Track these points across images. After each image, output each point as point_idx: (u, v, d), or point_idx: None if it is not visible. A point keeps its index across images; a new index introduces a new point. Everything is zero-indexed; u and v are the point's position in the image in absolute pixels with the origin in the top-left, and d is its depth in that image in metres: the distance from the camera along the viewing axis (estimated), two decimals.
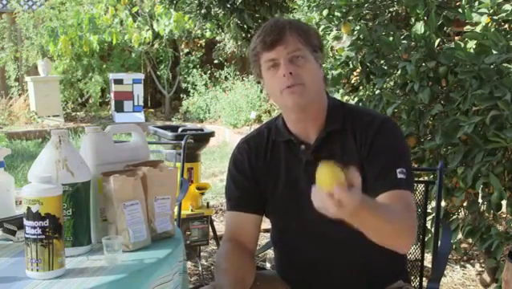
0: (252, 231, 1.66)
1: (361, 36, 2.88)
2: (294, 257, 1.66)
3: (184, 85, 9.94)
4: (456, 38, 2.85)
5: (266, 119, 7.82)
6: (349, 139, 1.57)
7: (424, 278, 1.95)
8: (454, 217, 2.62)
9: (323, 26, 3.21)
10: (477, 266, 3.30)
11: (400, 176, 1.49)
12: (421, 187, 1.97)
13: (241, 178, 1.66)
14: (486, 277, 2.94)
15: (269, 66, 1.53)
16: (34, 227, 1.30)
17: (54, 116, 9.06)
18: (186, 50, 10.08)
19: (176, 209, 2.52)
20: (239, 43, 4.34)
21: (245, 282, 1.53)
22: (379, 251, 1.54)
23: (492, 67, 2.25)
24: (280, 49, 1.50)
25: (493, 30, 2.41)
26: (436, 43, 2.59)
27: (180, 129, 3.56)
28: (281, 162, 1.62)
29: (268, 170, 1.63)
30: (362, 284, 1.61)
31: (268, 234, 4.06)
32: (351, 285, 1.61)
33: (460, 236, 2.66)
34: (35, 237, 1.30)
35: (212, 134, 3.59)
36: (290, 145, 1.61)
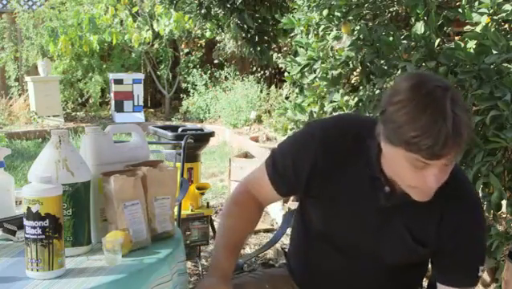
0: (271, 200, 1.65)
1: (361, 36, 2.88)
2: (313, 263, 1.64)
3: (184, 85, 9.94)
4: (456, 38, 2.85)
5: (265, 119, 7.82)
6: (437, 211, 1.45)
7: (423, 279, 1.95)
8: None
9: (322, 26, 3.21)
10: None
11: (479, 274, 1.46)
12: None
13: (293, 166, 1.53)
14: (486, 277, 2.93)
15: (417, 165, 1.30)
16: (34, 227, 1.30)
17: (54, 116, 9.06)
18: (186, 50, 10.07)
19: (176, 209, 2.52)
20: (239, 43, 4.34)
21: (241, 241, 1.61)
22: (402, 279, 1.57)
23: (492, 67, 2.25)
24: (439, 166, 1.30)
25: (493, 30, 2.41)
26: (436, 43, 2.59)
27: (180, 129, 3.56)
28: (353, 186, 1.49)
29: (332, 182, 1.50)
30: None
31: (268, 234, 4.07)
32: None
33: None
34: (35, 237, 1.31)
35: (212, 134, 3.59)
36: (375, 180, 1.45)
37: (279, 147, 1.61)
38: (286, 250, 1.82)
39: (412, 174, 1.32)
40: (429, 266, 1.63)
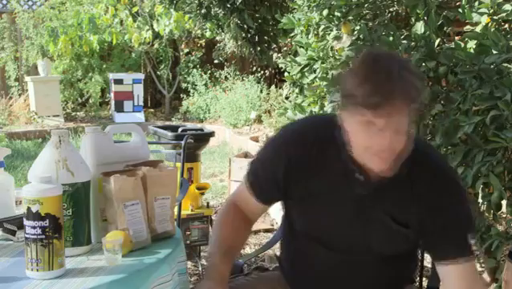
0: (256, 211, 1.68)
1: (361, 36, 2.88)
2: (303, 263, 1.64)
3: (184, 85, 9.94)
4: (456, 38, 2.85)
5: (266, 119, 7.81)
6: (414, 190, 1.47)
7: (424, 278, 1.95)
8: None
9: (322, 26, 3.21)
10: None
11: (471, 241, 1.47)
12: None
13: (269, 170, 1.57)
14: (486, 277, 2.93)
15: (362, 121, 1.34)
16: (34, 227, 1.30)
17: (54, 116, 9.06)
18: (186, 50, 10.07)
19: (176, 209, 2.52)
20: (239, 43, 4.34)
21: (236, 249, 1.62)
22: (393, 270, 1.58)
23: (492, 67, 2.25)
24: (384, 120, 1.32)
25: (493, 30, 2.41)
26: (436, 43, 2.59)
27: (180, 129, 3.56)
28: (327, 178, 1.51)
29: (307, 179, 1.53)
30: None
31: (268, 234, 4.07)
32: None
33: None
34: (35, 237, 1.31)
35: (212, 134, 3.59)
36: (347, 170, 1.47)
37: (256, 155, 1.67)
38: (278, 254, 1.82)
39: (366, 136, 1.35)
40: (430, 266, 1.63)
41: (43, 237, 1.31)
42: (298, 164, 1.52)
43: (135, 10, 9.37)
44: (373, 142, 1.35)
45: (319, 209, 1.54)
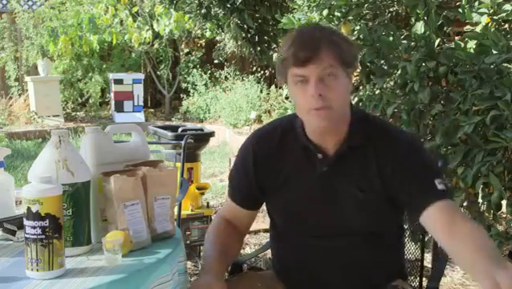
0: (245, 220, 1.72)
1: (361, 36, 2.87)
2: (292, 257, 1.66)
3: (184, 85, 9.94)
4: (456, 38, 2.85)
5: (266, 119, 7.82)
6: (371, 155, 1.52)
7: (424, 278, 1.95)
8: None
9: None
10: None
11: (440, 186, 1.47)
12: None
13: (242, 172, 1.66)
14: None
15: (297, 81, 1.46)
16: (34, 227, 1.30)
17: (54, 116, 9.06)
18: (186, 50, 10.07)
19: (176, 209, 2.52)
20: (239, 43, 4.34)
21: (229, 256, 1.63)
22: (378, 254, 1.57)
23: (492, 67, 2.25)
24: (312, 67, 1.42)
25: (493, 30, 2.41)
26: (436, 43, 2.58)
27: (180, 129, 3.56)
28: (292, 164, 1.59)
29: (275, 169, 1.60)
30: (359, 285, 1.61)
31: (268, 234, 4.06)
32: (349, 286, 1.61)
33: None
34: (35, 237, 1.31)
35: (212, 134, 3.59)
36: (307, 151, 1.56)
37: (230, 172, 1.74)
38: (270, 256, 1.84)
39: (302, 96, 1.46)
40: (430, 266, 1.63)
41: (43, 237, 1.31)
42: (265, 157, 1.60)
43: (135, 10, 9.38)
44: (308, 97, 1.45)
45: (291, 195, 1.59)
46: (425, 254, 1.98)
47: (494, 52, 2.26)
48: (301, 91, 1.47)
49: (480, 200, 2.50)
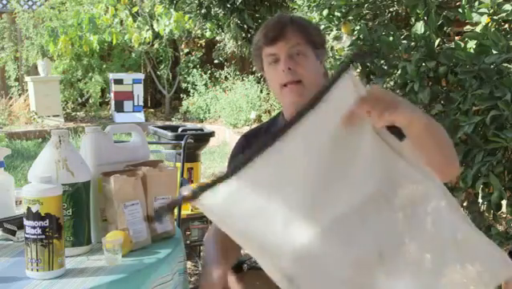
0: None
1: (361, 36, 2.87)
2: None
3: (184, 85, 9.94)
4: (456, 38, 2.85)
5: (266, 119, 7.82)
6: None
7: None
8: None
9: (322, 26, 3.21)
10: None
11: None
12: None
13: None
14: None
15: (270, 61, 1.58)
16: (34, 227, 1.30)
17: (54, 116, 9.06)
18: (186, 50, 10.07)
19: (176, 209, 2.52)
20: (239, 43, 4.34)
21: (230, 256, 1.65)
22: None
23: (492, 67, 2.25)
24: (281, 44, 1.55)
25: (493, 30, 2.41)
26: (436, 43, 2.58)
27: (180, 129, 3.57)
28: None
29: None
30: None
31: None
32: None
33: None
34: (35, 237, 1.31)
35: (212, 134, 3.59)
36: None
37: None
38: None
39: (274, 75, 1.58)
40: None
41: (43, 237, 1.31)
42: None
43: (135, 10, 9.38)
44: (279, 73, 1.56)
45: None
46: None
47: (494, 52, 2.26)
48: (273, 70, 1.58)
49: (480, 200, 2.50)
